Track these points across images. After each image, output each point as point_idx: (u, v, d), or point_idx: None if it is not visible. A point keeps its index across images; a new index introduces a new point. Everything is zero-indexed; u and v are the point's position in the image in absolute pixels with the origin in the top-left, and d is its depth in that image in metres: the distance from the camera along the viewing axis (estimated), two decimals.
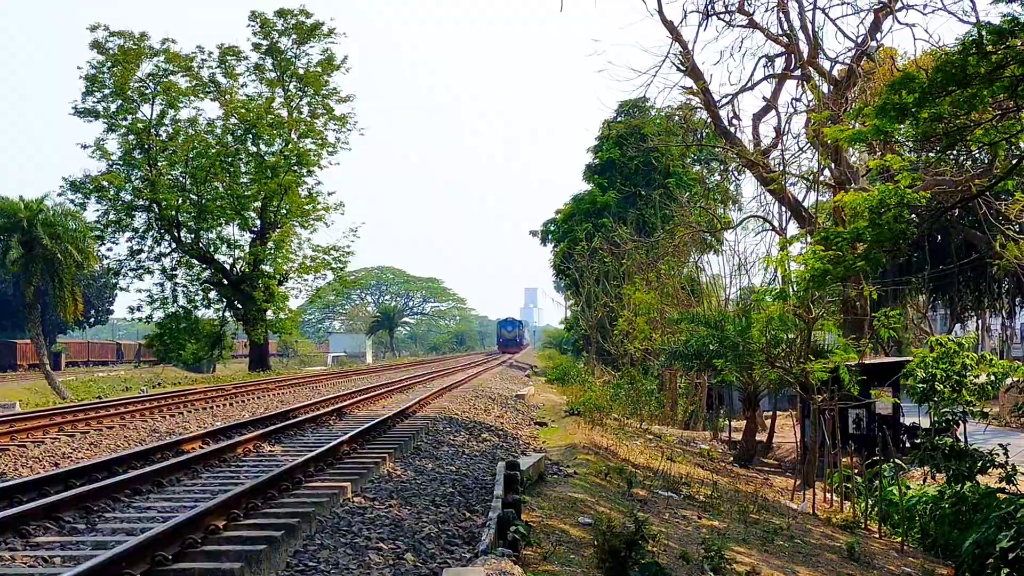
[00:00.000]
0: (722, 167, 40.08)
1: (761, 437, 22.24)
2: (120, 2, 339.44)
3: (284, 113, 49.67)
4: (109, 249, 47.82)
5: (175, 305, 47.61)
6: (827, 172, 21.11)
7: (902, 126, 11.58)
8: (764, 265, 21.23)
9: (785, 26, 22.00)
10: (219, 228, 48.70)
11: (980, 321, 38.55)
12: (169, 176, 47.79)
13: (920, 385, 15.20)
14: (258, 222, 49.23)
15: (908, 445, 17.58)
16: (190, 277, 48.52)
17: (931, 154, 17.48)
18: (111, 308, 75.76)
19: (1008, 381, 17.87)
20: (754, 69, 24.46)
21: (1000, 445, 13.17)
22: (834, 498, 15.64)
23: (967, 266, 29.57)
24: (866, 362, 18.19)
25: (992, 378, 16.01)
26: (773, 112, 23.73)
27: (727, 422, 26.33)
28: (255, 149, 48.78)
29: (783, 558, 10.64)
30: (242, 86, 49.78)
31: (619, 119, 47.16)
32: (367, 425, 15.28)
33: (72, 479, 10.21)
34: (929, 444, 13.78)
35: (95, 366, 63.99)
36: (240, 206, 47.99)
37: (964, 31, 11.88)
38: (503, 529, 7.46)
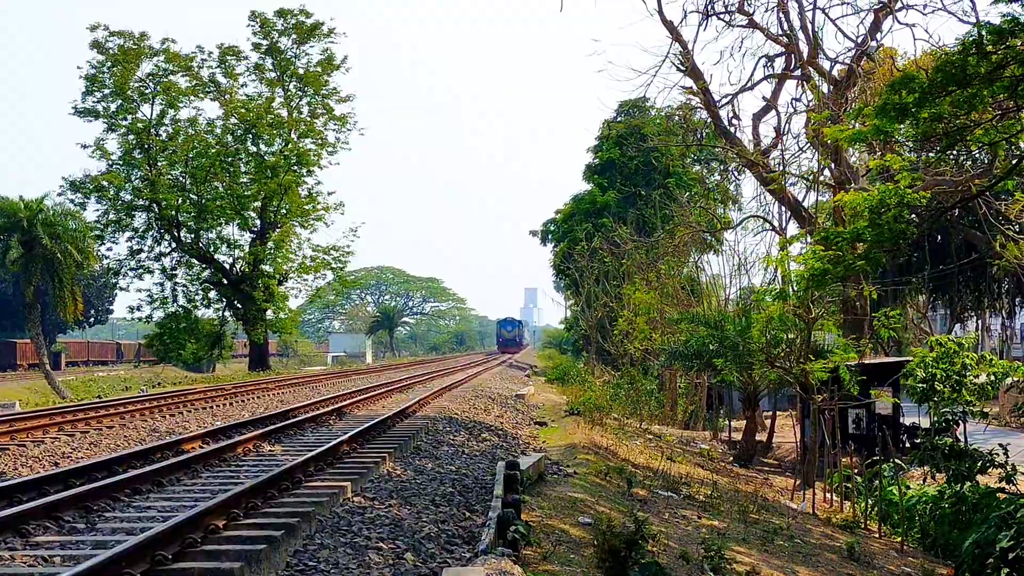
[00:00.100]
0: (722, 167, 40.02)
1: (761, 437, 22.23)
2: (120, 2, 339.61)
3: (284, 113, 49.68)
4: (109, 249, 47.95)
5: (175, 305, 47.69)
6: (827, 172, 21.09)
7: (902, 126, 11.57)
8: (764, 265, 21.20)
9: (785, 26, 22.01)
10: (219, 228, 48.74)
11: (980, 321, 38.53)
12: (169, 176, 47.79)
13: (920, 385, 15.21)
14: (258, 222, 49.23)
15: (908, 445, 17.56)
16: (190, 277, 48.56)
17: (931, 154, 17.47)
18: (111, 308, 75.74)
19: (1008, 381, 17.83)
20: (754, 69, 24.48)
21: (1000, 445, 13.16)
22: (834, 498, 15.63)
23: (967, 266, 29.56)
24: (866, 362, 18.18)
25: (992, 378, 15.99)
26: (773, 112, 23.75)
27: (727, 422, 26.33)
28: (255, 149, 48.79)
29: (783, 558, 10.64)
30: (242, 86, 49.91)
31: (619, 119, 47.07)
32: (367, 425, 15.29)
33: (72, 479, 10.22)
34: (929, 444, 13.77)
35: (95, 366, 63.97)
36: (240, 206, 48.00)
37: (964, 31, 11.91)
38: (503, 529, 7.46)
